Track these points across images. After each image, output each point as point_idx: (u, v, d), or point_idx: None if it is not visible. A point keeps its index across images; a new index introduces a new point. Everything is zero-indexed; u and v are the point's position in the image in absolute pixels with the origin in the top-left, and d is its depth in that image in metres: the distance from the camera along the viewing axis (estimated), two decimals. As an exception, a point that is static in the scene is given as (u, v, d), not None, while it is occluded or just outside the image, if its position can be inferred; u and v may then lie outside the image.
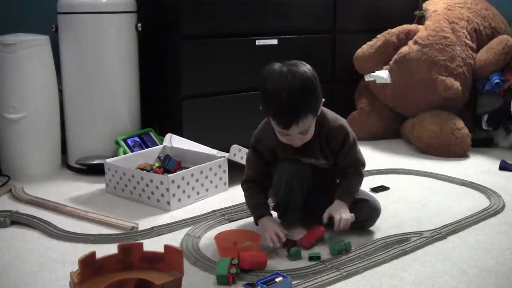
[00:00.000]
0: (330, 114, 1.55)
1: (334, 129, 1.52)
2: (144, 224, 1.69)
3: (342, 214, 1.51)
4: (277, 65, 1.42)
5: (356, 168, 1.58)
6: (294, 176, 1.53)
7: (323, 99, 1.46)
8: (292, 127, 1.39)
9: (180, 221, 1.70)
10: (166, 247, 1.29)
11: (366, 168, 2.02)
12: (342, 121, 1.55)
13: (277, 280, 1.26)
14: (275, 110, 1.40)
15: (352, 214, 1.53)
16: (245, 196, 1.62)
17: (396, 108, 2.72)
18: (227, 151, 2.00)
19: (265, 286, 1.24)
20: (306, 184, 1.57)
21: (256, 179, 1.59)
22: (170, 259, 1.28)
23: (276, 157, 1.56)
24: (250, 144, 1.59)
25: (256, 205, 1.57)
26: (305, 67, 1.42)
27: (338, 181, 1.63)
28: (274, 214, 1.62)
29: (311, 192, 1.60)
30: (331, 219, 1.53)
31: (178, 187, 1.82)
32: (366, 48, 2.73)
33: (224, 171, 1.98)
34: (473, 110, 2.59)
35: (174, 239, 1.59)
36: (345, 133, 1.53)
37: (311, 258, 1.44)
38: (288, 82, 1.37)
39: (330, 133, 1.52)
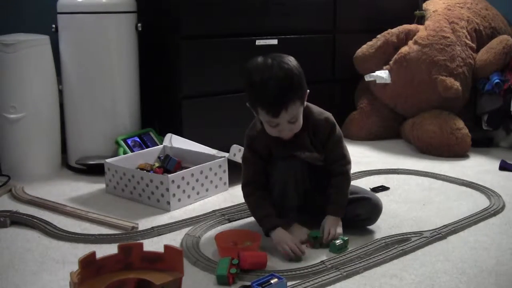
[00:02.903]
0: (315, 108, 1.56)
1: (320, 121, 1.54)
2: (144, 224, 1.69)
3: (337, 229, 1.53)
4: (260, 58, 1.46)
5: (342, 165, 1.57)
6: (289, 175, 1.53)
7: (308, 90, 1.48)
8: (281, 114, 1.41)
9: (180, 221, 1.70)
10: (166, 247, 1.29)
11: (366, 168, 2.01)
12: (328, 114, 1.57)
13: (272, 281, 1.25)
14: (264, 100, 1.41)
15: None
16: (248, 204, 1.59)
17: (396, 108, 2.72)
18: (227, 151, 2.00)
19: (260, 287, 1.24)
20: (302, 183, 1.57)
21: (256, 180, 1.57)
22: (170, 259, 1.28)
23: (271, 155, 1.56)
24: (244, 145, 1.59)
25: (264, 217, 1.53)
26: (288, 58, 1.45)
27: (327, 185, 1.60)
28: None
29: (310, 192, 1.60)
30: None
31: (178, 187, 1.82)
32: (366, 48, 2.73)
33: (224, 171, 1.98)
34: (473, 110, 2.59)
35: (174, 239, 1.59)
36: (331, 125, 1.55)
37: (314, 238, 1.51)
38: (274, 71, 1.40)
39: (316, 125, 1.53)
